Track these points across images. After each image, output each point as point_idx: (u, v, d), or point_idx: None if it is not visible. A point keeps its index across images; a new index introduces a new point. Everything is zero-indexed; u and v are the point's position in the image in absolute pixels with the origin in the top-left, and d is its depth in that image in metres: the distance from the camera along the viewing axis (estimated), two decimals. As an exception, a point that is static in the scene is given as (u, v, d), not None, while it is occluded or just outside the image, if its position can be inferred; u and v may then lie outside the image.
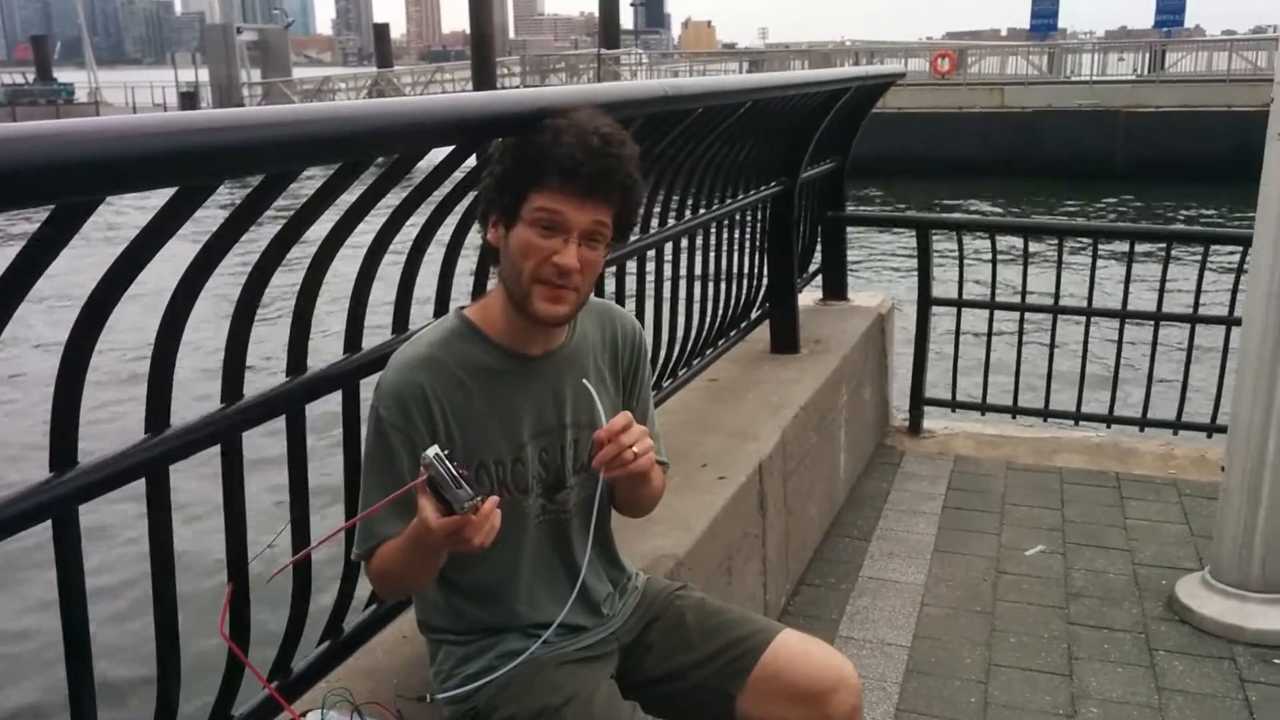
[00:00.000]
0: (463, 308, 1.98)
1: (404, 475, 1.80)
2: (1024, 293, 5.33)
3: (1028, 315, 5.41)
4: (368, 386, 2.00)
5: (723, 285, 4.12)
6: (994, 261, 5.36)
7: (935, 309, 5.53)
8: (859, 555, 4.24)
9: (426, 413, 1.82)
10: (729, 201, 3.98)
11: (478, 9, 38.01)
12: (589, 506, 1.99)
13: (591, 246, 1.81)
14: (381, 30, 62.32)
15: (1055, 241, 5.45)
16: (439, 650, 2.02)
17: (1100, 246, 5.39)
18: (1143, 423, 5.32)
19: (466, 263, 2.37)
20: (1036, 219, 21.02)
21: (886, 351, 5.59)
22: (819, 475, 4.26)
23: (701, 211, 3.73)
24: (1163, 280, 5.05)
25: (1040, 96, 30.54)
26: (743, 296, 4.39)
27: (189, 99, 48.62)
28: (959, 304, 5.50)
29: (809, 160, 4.68)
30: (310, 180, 1.73)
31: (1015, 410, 5.54)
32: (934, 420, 5.66)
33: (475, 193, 2.07)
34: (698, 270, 3.82)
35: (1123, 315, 5.21)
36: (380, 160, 1.86)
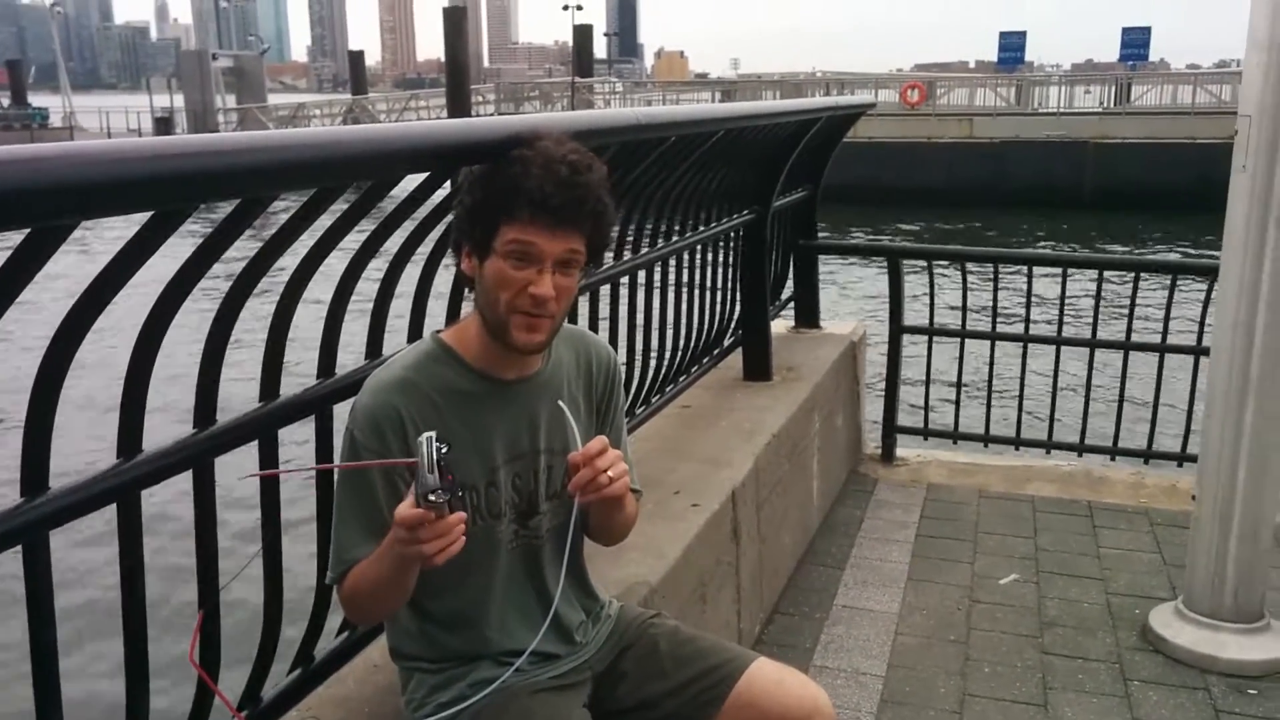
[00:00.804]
0: (438, 331, 1.98)
1: (378, 498, 1.79)
2: (994, 321, 5.38)
3: (998, 344, 5.45)
4: (341, 412, 1.99)
5: (695, 313, 4.13)
6: (964, 290, 5.40)
7: (906, 337, 5.56)
8: (833, 583, 4.24)
9: (401, 435, 1.81)
10: (702, 229, 4.00)
11: (453, 37, 38.21)
12: (562, 533, 1.98)
13: (566, 273, 1.82)
14: (356, 57, 62.44)
15: (1025, 270, 5.50)
16: (411, 678, 2.00)
17: (1069, 275, 5.43)
18: (1114, 451, 5.35)
19: (441, 283, 2.36)
20: (1006, 249, 21.19)
21: (859, 379, 5.62)
22: (792, 503, 4.26)
23: (675, 239, 3.75)
24: (1131, 310, 5.10)
25: (1009, 127, 30.96)
26: (715, 324, 4.41)
27: (164, 124, 48.57)
28: (930, 332, 5.54)
29: (781, 189, 4.72)
30: (284, 210, 1.73)
31: (987, 439, 5.58)
32: (906, 448, 5.68)
33: (449, 219, 2.07)
34: (671, 298, 3.83)
35: (1092, 344, 5.26)
36: (357, 185, 1.87)
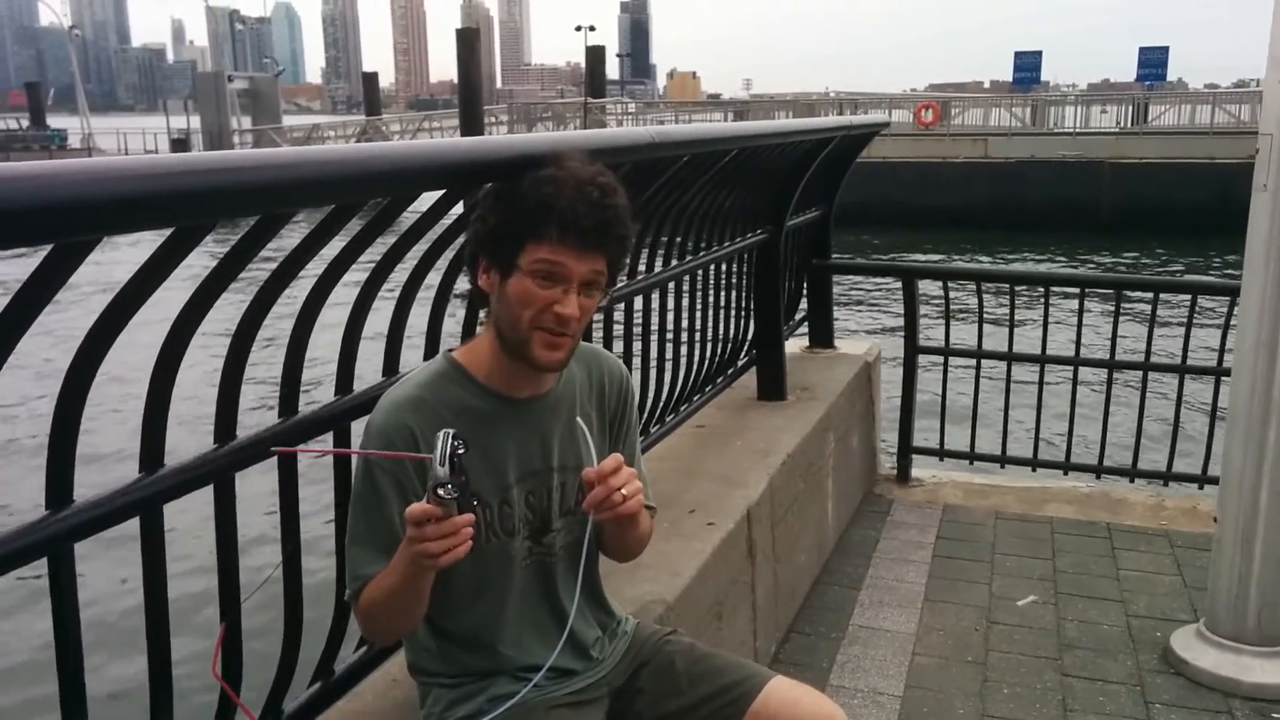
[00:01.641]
0: (450, 350, 1.99)
1: (391, 516, 1.79)
2: (1010, 341, 5.35)
3: (1015, 365, 5.42)
4: (358, 429, 2.00)
5: (709, 332, 4.13)
6: (980, 310, 5.39)
7: (922, 358, 5.54)
8: (849, 603, 4.22)
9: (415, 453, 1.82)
10: (715, 249, 4.01)
11: (465, 58, 38.39)
12: (576, 550, 1.98)
13: (589, 295, 1.83)
14: (370, 79, 62.84)
15: (1041, 291, 5.48)
16: (429, 693, 2.01)
17: (1086, 296, 5.41)
18: (1133, 473, 5.30)
19: (456, 302, 2.37)
20: (1023, 268, 21.16)
21: (874, 399, 5.60)
22: (807, 522, 4.25)
23: (688, 258, 3.75)
24: (1150, 330, 5.08)
25: (1024, 147, 30.85)
26: (729, 343, 4.41)
27: (181, 145, 48.81)
28: (946, 352, 5.52)
29: (794, 208, 4.72)
30: (299, 231, 1.74)
31: (1004, 459, 5.54)
32: (922, 469, 5.66)
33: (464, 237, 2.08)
34: (685, 317, 3.83)
35: (1111, 365, 5.23)
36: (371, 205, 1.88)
